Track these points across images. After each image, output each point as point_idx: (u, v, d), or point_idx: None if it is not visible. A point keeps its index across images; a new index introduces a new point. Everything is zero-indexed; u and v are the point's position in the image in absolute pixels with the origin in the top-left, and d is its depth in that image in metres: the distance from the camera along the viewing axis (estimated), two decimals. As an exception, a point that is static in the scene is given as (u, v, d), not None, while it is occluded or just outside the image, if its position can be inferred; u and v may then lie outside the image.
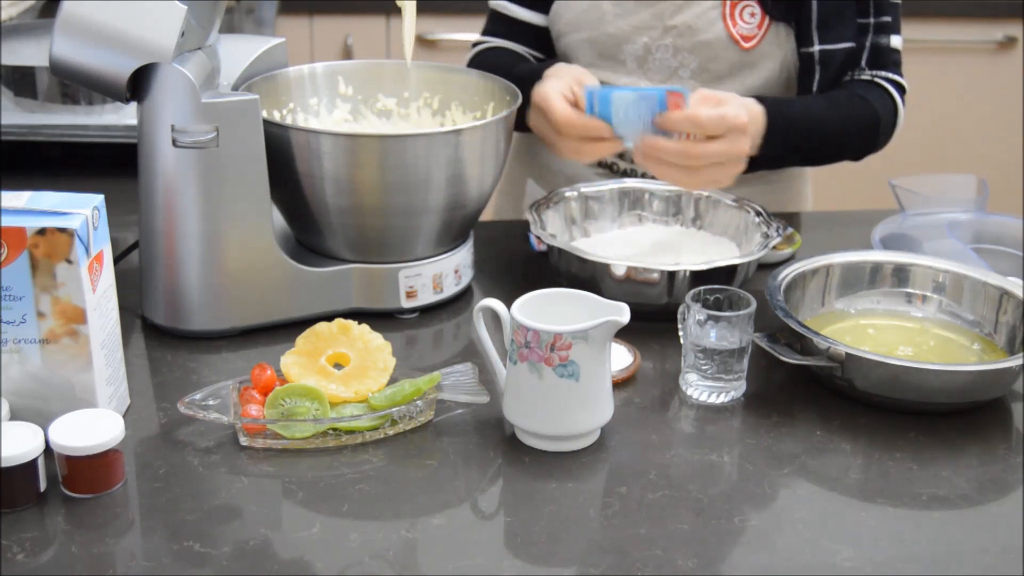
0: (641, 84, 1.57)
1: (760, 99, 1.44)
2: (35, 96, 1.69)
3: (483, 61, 1.60)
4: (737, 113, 1.33)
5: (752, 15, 1.51)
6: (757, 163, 1.44)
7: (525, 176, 1.73)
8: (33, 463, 0.98)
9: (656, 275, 1.28)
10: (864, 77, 1.57)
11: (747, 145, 1.35)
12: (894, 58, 1.59)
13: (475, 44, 1.67)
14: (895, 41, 1.58)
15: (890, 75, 1.58)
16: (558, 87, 1.38)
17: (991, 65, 2.90)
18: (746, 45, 1.52)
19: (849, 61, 1.55)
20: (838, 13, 1.52)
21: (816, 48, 1.52)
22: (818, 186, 1.81)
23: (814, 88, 1.54)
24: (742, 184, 1.61)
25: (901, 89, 1.59)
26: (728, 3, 1.51)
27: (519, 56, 1.63)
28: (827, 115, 1.51)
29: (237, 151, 1.20)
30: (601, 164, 1.62)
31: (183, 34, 1.16)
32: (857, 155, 1.59)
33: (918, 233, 1.50)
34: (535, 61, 1.63)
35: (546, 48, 1.65)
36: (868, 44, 1.56)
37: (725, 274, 1.29)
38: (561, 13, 1.59)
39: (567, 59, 1.62)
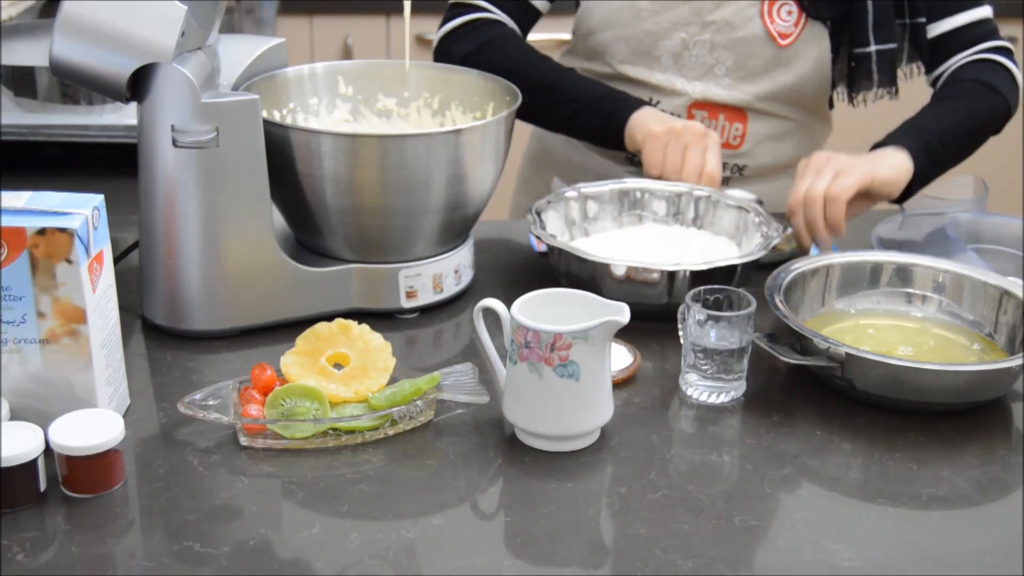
0: (676, 82, 1.59)
1: (898, 141, 1.46)
2: (35, 96, 1.69)
3: (500, 49, 1.58)
4: (823, 171, 1.40)
5: (789, 13, 1.53)
6: (917, 185, 1.48)
7: (550, 175, 1.73)
8: (33, 463, 0.98)
9: (656, 275, 1.28)
10: (971, 58, 1.58)
11: (857, 171, 1.39)
12: (982, 31, 1.59)
13: (457, 6, 1.63)
14: (973, 14, 1.59)
15: (992, 44, 1.60)
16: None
17: (991, 65, 2.89)
18: (783, 42, 1.53)
19: (893, 59, 1.58)
20: (886, 13, 1.55)
21: (873, 48, 1.54)
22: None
23: (873, 87, 1.58)
24: (762, 179, 1.63)
25: (1005, 52, 1.60)
26: (767, 0, 1.52)
27: (531, 48, 1.62)
28: (959, 118, 1.53)
29: (237, 151, 1.20)
30: (633, 161, 1.63)
31: (183, 34, 1.16)
32: (998, 129, 1.60)
33: (918, 233, 1.50)
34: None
35: (525, 28, 1.64)
36: (911, 44, 1.59)
37: (725, 274, 1.29)
38: (592, 11, 1.60)
39: (595, 56, 1.62)
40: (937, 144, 1.49)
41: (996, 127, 1.59)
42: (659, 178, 1.46)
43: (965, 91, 1.56)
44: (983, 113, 1.56)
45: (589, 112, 1.53)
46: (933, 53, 1.60)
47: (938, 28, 1.59)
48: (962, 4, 1.59)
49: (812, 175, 1.40)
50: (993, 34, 1.61)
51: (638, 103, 1.52)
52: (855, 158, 1.42)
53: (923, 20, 1.58)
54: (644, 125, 1.48)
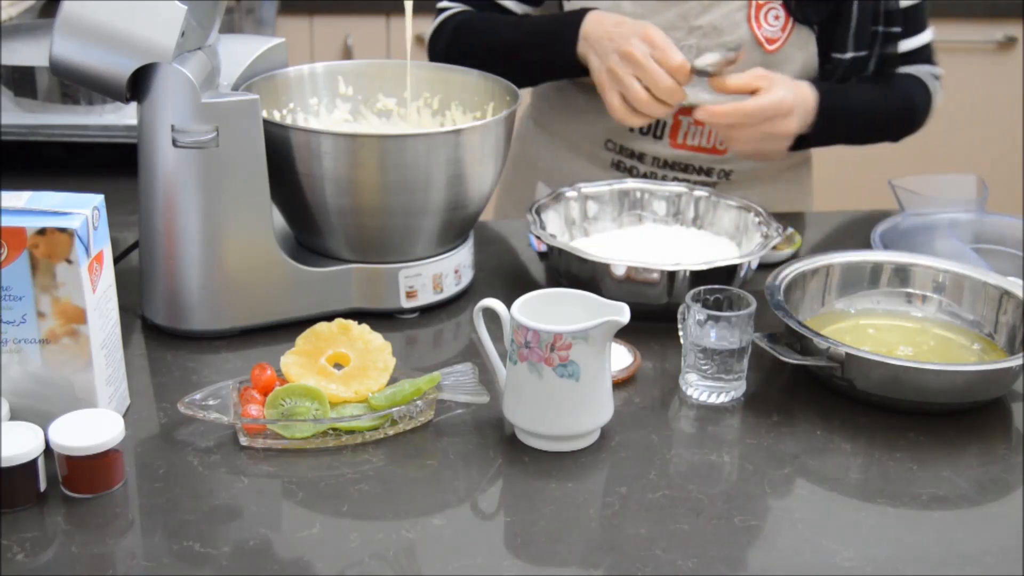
0: None
1: (814, 83, 1.50)
2: (35, 96, 1.69)
3: (469, 28, 1.60)
4: (782, 98, 1.42)
5: (776, 18, 1.53)
6: (807, 140, 1.52)
7: (535, 179, 1.73)
8: (33, 463, 0.98)
9: (656, 275, 1.28)
10: (904, 70, 1.62)
11: (793, 124, 1.44)
12: (923, 55, 1.64)
13: (440, 10, 1.65)
14: (921, 38, 1.63)
15: (927, 67, 1.64)
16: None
17: (991, 65, 2.90)
18: (770, 47, 1.53)
19: (863, 66, 1.59)
20: (865, 20, 1.55)
21: (850, 55, 1.54)
22: (819, 186, 1.81)
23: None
24: (749, 184, 1.62)
25: (936, 77, 1.65)
26: (754, 5, 1.52)
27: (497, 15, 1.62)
28: (874, 100, 1.58)
29: (237, 151, 1.20)
30: (619, 167, 1.63)
31: (183, 34, 1.16)
32: (897, 137, 1.65)
33: (918, 233, 1.50)
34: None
35: None
36: (880, 52, 1.60)
37: (725, 274, 1.29)
38: None
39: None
40: (843, 129, 1.56)
41: (895, 138, 1.65)
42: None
43: (897, 94, 1.60)
44: (898, 123, 1.62)
45: (553, 57, 1.53)
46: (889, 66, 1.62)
47: (905, 45, 1.61)
48: (918, 26, 1.61)
49: (784, 113, 1.43)
50: (932, 58, 1.66)
51: (572, 37, 1.49)
52: (799, 112, 1.46)
53: (898, 30, 1.58)
54: (591, 69, 1.47)
